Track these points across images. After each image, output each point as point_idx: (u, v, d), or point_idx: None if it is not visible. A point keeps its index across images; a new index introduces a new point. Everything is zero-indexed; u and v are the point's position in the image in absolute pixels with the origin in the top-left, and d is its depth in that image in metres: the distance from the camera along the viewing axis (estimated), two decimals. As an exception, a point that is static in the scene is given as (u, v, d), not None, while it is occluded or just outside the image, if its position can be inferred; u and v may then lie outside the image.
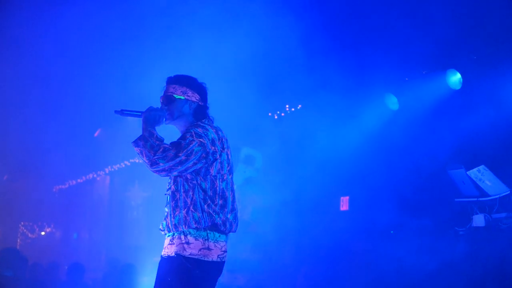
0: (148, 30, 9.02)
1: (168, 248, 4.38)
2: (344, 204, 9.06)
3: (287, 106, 9.79)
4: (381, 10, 7.85)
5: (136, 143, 4.23)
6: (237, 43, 8.33)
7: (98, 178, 17.26)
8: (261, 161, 7.16)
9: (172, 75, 4.63)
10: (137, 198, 16.29)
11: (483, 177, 6.75)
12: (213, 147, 4.26)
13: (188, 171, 4.24)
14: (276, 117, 9.97)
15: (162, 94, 4.59)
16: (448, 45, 7.63)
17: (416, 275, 7.38)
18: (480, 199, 6.89)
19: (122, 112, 4.52)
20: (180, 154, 4.14)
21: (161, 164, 4.14)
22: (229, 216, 4.34)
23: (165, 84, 4.61)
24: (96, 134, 14.59)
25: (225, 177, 4.36)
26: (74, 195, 18.28)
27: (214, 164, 4.29)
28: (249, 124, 9.94)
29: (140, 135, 4.26)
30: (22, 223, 19.10)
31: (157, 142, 4.18)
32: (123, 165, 15.26)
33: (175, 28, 8.71)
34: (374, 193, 8.46)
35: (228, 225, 4.33)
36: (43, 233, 19.32)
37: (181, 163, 4.15)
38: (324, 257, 8.85)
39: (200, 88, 4.58)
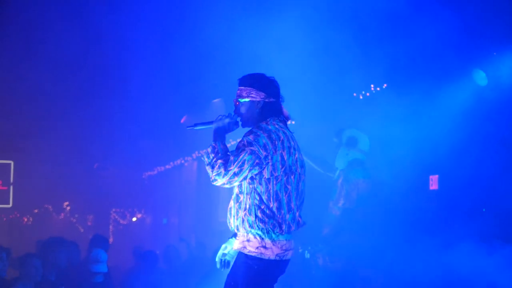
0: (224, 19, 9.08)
1: (235, 244, 4.53)
2: (434, 183, 8.92)
3: (372, 85, 9.67)
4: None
5: (202, 157, 4.42)
6: (317, 23, 8.30)
7: (185, 164, 17.48)
8: (367, 143, 6.96)
9: (240, 76, 4.61)
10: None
11: None
12: (264, 152, 4.28)
13: (248, 178, 4.32)
14: (361, 97, 9.86)
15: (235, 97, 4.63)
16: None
17: (504, 257, 7.23)
18: None
19: (195, 126, 4.70)
20: (230, 168, 4.23)
21: (218, 180, 4.29)
22: (287, 217, 4.36)
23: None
24: (182, 121, 14.80)
25: (279, 179, 4.34)
26: (163, 181, 18.64)
27: (266, 167, 4.31)
28: (333, 105, 9.89)
29: (205, 150, 4.42)
30: (113, 209, 19.63)
31: (214, 159, 4.31)
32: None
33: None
34: (464, 172, 8.30)
35: (285, 227, 4.35)
36: (134, 219, 19.80)
37: (235, 174, 4.24)
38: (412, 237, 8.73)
39: (265, 85, 4.53)
